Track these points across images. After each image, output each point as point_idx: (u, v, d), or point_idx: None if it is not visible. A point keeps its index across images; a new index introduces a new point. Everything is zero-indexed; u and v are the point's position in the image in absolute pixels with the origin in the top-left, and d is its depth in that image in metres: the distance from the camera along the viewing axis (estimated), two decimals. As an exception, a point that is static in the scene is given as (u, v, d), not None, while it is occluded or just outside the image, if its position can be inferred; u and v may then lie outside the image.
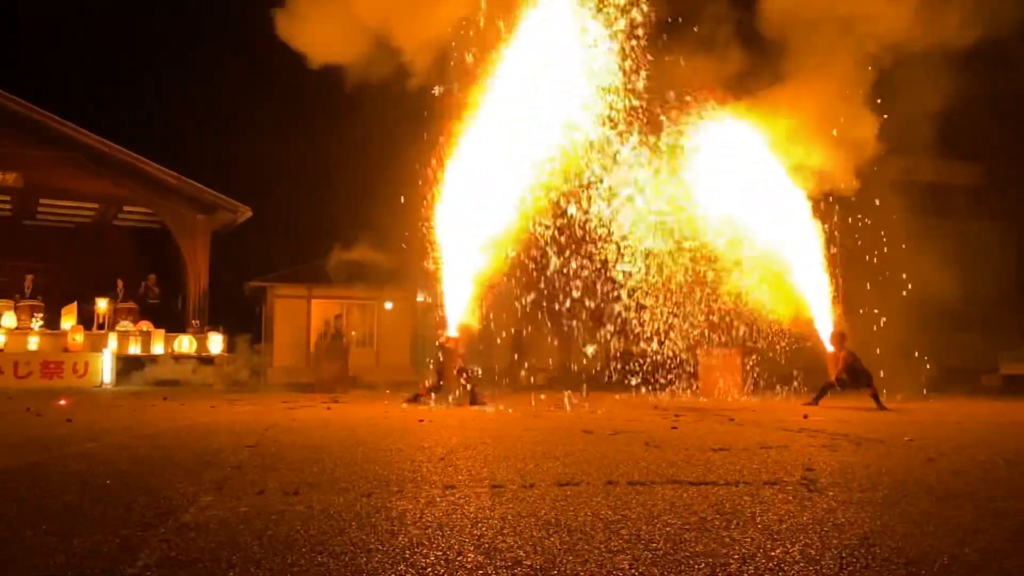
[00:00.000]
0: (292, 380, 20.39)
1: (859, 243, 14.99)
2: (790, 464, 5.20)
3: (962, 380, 18.09)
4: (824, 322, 13.56)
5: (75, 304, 19.18)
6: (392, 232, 14.64)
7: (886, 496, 4.00)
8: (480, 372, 12.86)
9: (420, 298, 23.74)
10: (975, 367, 19.99)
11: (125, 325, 19.18)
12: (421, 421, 8.58)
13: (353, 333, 22.62)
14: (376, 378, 20.68)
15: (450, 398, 12.02)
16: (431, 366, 12.39)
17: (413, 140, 12.83)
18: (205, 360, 19.05)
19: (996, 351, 20.69)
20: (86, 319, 19.14)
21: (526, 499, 3.88)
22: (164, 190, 20.31)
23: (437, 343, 12.58)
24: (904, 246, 15.40)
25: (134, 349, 18.59)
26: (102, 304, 19.57)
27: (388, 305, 23.43)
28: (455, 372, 12.12)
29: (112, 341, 18.30)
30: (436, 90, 12.33)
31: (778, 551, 2.89)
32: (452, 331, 12.34)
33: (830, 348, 12.69)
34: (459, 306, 12.43)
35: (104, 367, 17.36)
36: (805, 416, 9.66)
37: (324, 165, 35.30)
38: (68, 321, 18.75)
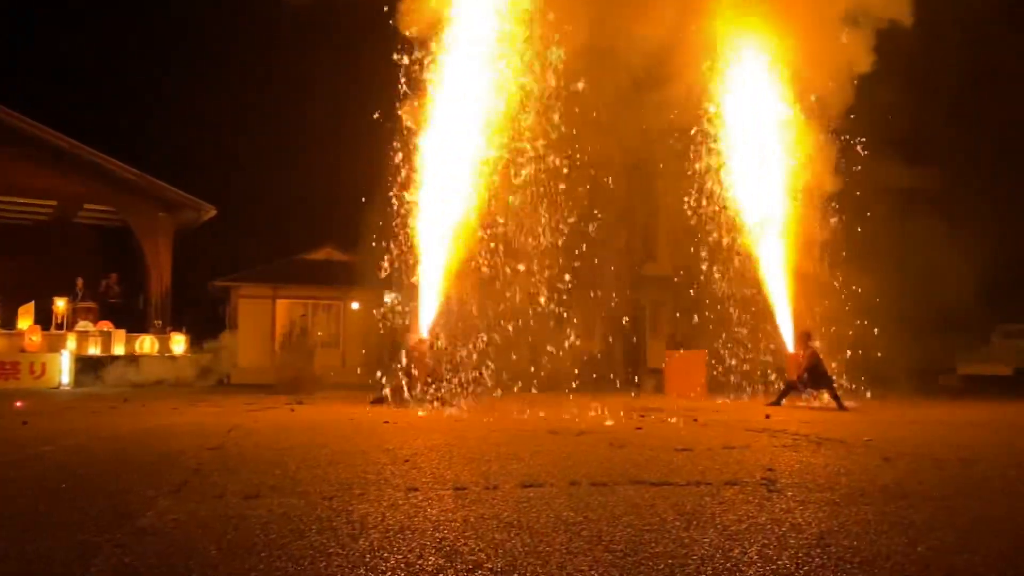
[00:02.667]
0: (256, 381, 20.13)
1: (823, 245, 15.20)
2: (751, 464, 5.27)
3: (921, 381, 18.46)
4: (786, 323, 13.73)
5: (32, 303, 18.75)
6: (360, 232, 14.52)
7: (843, 496, 4.07)
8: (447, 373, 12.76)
9: (387, 299, 23.61)
10: (934, 368, 20.43)
11: (85, 325, 18.78)
12: (386, 423, 8.54)
13: (320, 333, 22.42)
14: (342, 379, 20.52)
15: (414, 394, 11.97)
16: (400, 369, 12.30)
17: (378, 134, 12.77)
18: (167, 361, 18.73)
19: (954, 352, 21.18)
20: (44, 319, 18.72)
21: (489, 501, 3.88)
22: (125, 188, 19.93)
23: (407, 346, 12.52)
24: (865, 249, 15.66)
25: (94, 350, 18.22)
26: (60, 303, 19.15)
27: (355, 306, 23.26)
28: (424, 374, 12.06)
29: (71, 341, 17.92)
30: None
31: (736, 551, 2.93)
32: (422, 334, 12.30)
33: (791, 349, 12.86)
34: (429, 309, 12.41)
35: (62, 368, 16.97)
36: (768, 416, 9.79)
37: (290, 164, 35.02)
38: (25, 321, 18.31)
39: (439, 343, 12.34)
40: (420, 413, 10.52)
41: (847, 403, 11.54)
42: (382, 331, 19.40)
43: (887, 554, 2.90)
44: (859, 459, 5.59)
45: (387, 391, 11.95)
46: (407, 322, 13.09)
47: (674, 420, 9.16)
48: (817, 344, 12.57)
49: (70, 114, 27.80)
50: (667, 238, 15.11)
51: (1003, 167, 21.74)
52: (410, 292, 12.74)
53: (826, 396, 11.75)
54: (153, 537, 3.10)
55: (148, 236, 20.45)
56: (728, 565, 2.76)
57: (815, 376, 11.93)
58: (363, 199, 13.13)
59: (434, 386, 11.94)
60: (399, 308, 13.56)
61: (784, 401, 12.25)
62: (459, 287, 12.65)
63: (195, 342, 19.72)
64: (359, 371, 17.94)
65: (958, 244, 18.77)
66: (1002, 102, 21.03)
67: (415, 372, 11.91)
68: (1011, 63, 20.12)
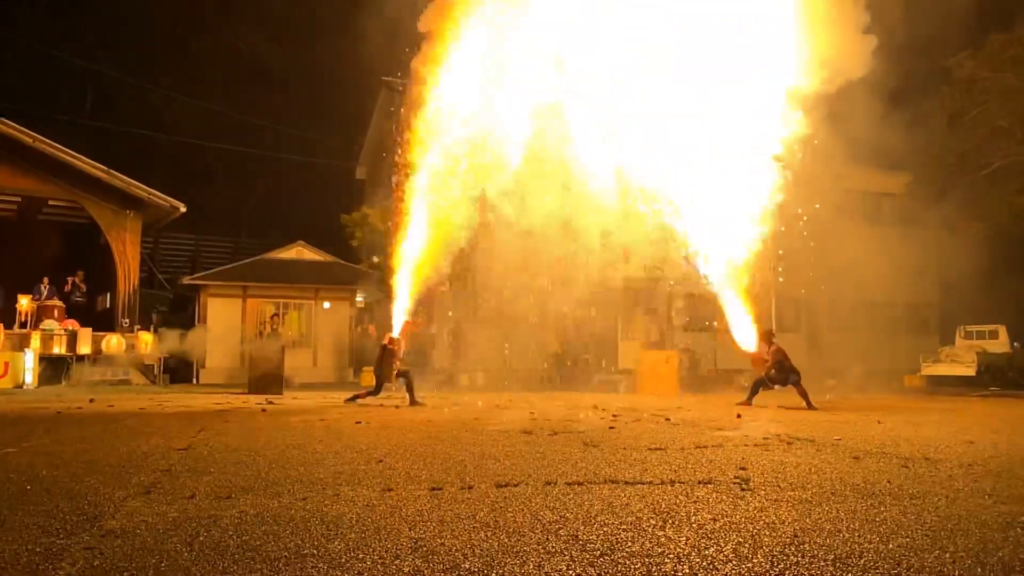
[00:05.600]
0: (225, 381, 19.92)
1: (791, 245, 15.35)
2: (724, 463, 5.32)
3: (887, 381, 18.78)
4: (747, 322, 13.73)
5: (-6, 301, 18.38)
6: (333, 231, 14.45)
7: (815, 495, 4.12)
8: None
9: (359, 298, 23.51)
10: (900, 368, 20.79)
11: (49, 324, 18.42)
12: (358, 423, 8.48)
13: (290, 333, 22.22)
14: (313, 379, 20.37)
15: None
16: (373, 367, 12.23)
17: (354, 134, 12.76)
18: (134, 360, 18.43)
19: (919, 353, 21.57)
20: (7, 317, 18.32)
21: (465, 501, 3.87)
22: (91, 184, 19.55)
23: (381, 343, 12.48)
24: (833, 251, 15.88)
25: (58, 349, 17.87)
26: (24, 302, 18.76)
27: (326, 305, 23.10)
28: (395, 372, 12.03)
29: (35, 340, 17.55)
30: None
31: (712, 550, 2.95)
32: (394, 332, 12.26)
33: (752, 348, 12.88)
34: (401, 307, 12.36)
35: (25, 367, 16.63)
36: (739, 416, 9.88)
37: (264, 161, 34.68)
38: (-13, 319, 17.93)
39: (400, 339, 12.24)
40: (396, 405, 10.49)
41: (814, 403, 11.69)
42: (359, 329, 19.30)
43: (860, 552, 2.94)
44: (829, 458, 5.67)
45: (362, 389, 11.87)
46: (381, 320, 13.07)
47: (646, 419, 9.21)
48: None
49: (33, 108, 27.26)
50: (639, 240, 15.15)
51: (965, 171, 22.16)
52: (385, 291, 12.70)
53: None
54: (123, 539, 3.04)
55: (115, 234, 20.09)
56: (704, 564, 2.78)
57: (782, 371, 12.06)
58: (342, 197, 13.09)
59: (407, 384, 11.91)
60: (376, 307, 13.55)
61: (754, 400, 12.38)
62: (435, 288, 12.64)
63: (163, 341, 19.42)
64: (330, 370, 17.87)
65: (921, 247, 19.17)
66: (964, 105, 21.47)
67: (388, 370, 11.86)
68: (977, 65, 20.57)
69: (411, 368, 12.32)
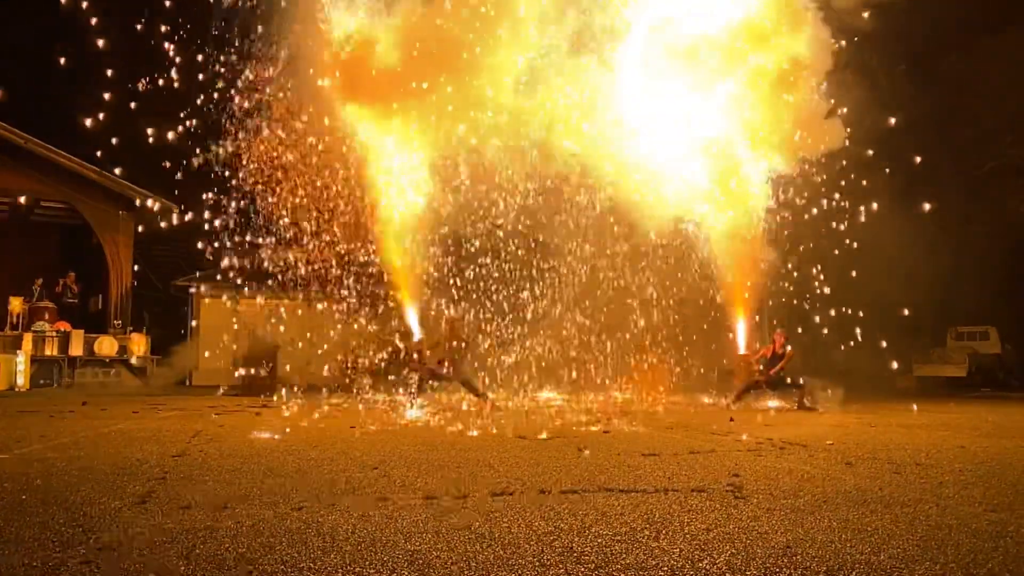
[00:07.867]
0: (219, 382, 19.85)
1: (783, 247, 15.40)
2: (717, 469, 5.35)
3: (878, 382, 18.83)
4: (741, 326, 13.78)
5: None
6: (328, 230, 14.43)
7: (808, 503, 4.15)
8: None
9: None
10: (890, 370, 20.86)
11: (41, 325, 18.34)
12: (352, 428, 8.49)
13: (283, 335, 22.15)
14: (307, 381, 20.31)
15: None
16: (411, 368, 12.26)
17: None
18: (127, 363, 18.38)
19: (910, 354, 21.66)
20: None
21: (460, 511, 3.89)
22: (84, 185, 19.46)
23: (413, 350, 12.54)
24: (822, 253, 15.93)
25: (51, 351, 17.80)
26: (16, 303, 18.67)
27: (320, 307, 23.04)
28: (427, 372, 12.03)
29: (26, 342, 17.48)
30: None
31: (705, 562, 2.97)
32: (416, 336, 12.29)
33: (743, 350, 12.92)
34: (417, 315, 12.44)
35: (17, 370, 16.55)
36: (731, 420, 9.93)
37: (258, 161, 34.47)
38: (-22, 321, 17.85)
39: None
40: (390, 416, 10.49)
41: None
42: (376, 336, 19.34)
43: (851, 563, 2.96)
44: (821, 464, 5.70)
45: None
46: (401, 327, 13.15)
47: (640, 424, 9.23)
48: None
49: (25, 109, 27.08)
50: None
51: (957, 172, 22.27)
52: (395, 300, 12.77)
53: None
54: (118, 552, 3.05)
55: (108, 235, 20.00)
56: (698, 576, 2.80)
57: (781, 377, 12.14)
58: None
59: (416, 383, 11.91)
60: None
61: (749, 394, 12.45)
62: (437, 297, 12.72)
63: (156, 343, 19.37)
64: (326, 371, 17.87)
65: (913, 247, 19.23)
66: (956, 104, 21.57)
67: (424, 369, 11.90)
68: (967, 68, 20.65)
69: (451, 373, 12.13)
